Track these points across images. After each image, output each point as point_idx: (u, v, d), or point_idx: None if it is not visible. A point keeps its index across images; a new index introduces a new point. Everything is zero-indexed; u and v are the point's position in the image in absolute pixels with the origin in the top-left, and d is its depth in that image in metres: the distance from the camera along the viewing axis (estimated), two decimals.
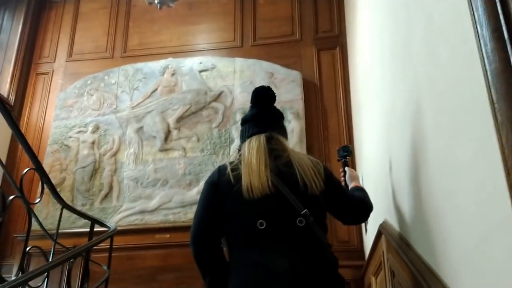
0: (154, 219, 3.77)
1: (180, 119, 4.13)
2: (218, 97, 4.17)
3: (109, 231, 2.48)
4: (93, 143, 4.16)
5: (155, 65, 4.39)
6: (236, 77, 4.21)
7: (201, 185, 3.73)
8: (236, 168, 1.48)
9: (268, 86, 1.66)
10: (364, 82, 3.02)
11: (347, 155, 2.14)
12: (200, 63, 4.31)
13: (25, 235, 3.76)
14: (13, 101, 4.46)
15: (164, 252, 3.60)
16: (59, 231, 3.78)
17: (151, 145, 4.09)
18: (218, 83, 4.22)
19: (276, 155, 1.50)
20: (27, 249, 2.14)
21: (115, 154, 4.09)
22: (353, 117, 3.95)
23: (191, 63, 4.33)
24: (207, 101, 4.16)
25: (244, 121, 1.65)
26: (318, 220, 1.42)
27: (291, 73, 4.13)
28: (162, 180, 3.92)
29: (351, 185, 1.85)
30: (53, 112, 4.42)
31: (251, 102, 1.65)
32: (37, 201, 2.28)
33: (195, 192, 3.80)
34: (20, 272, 1.99)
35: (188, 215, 3.74)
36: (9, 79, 4.50)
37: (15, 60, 4.58)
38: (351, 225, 2.79)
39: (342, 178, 1.95)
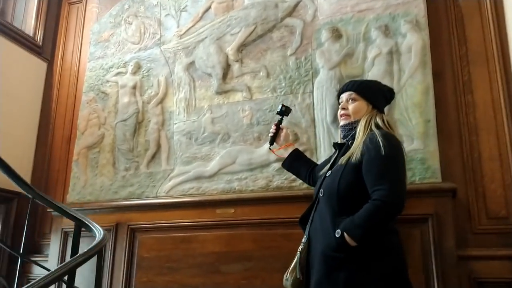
0: (213, 188, 2.93)
1: (242, 47, 3.12)
2: (293, 9, 3.05)
3: (95, 243, 1.62)
4: (134, 87, 3.36)
5: None
6: None
7: None
8: None
9: None
10: None
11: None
12: None
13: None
14: (41, 40, 3.79)
15: (228, 234, 2.77)
16: (103, 203, 3.15)
17: (206, 87, 3.16)
18: None
19: None
20: None
21: (161, 101, 3.26)
22: (508, 21, 2.61)
23: None
24: (279, 18, 3.06)
25: (387, 99, 2.11)
26: None
27: None
28: (222, 133, 3.02)
29: None
30: (88, 50, 3.68)
31: (390, 97, 2.13)
32: None
33: (266, 149, 2.84)
34: None
35: (258, 182, 2.83)
36: (34, 13, 3.81)
37: None
38: None
39: None
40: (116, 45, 3.54)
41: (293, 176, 2.75)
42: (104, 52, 3.56)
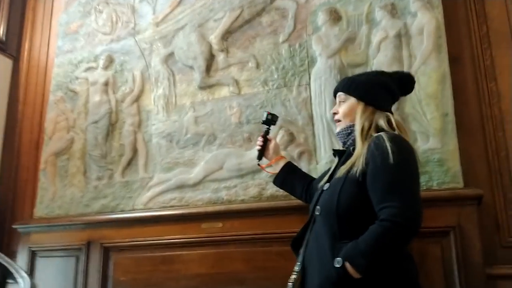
0: (198, 198, 2.58)
1: (227, 35, 2.76)
2: None
3: None
4: (106, 84, 3.00)
5: None
6: None
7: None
8: None
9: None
10: None
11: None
12: None
13: (28, 226, 2.85)
14: (4, 34, 3.42)
15: (215, 252, 2.43)
16: (73, 218, 2.81)
17: (188, 81, 2.80)
18: None
19: None
20: None
21: (137, 99, 2.90)
22: None
23: None
24: None
25: (394, 91, 1.69)
26: None
27: None
28: (207, 135, 2.67)
29: None
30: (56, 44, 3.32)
31: (403, 86, 1.74)
32: None
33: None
34: None
35: (249, 190, 2.49)
36: None
37: None
38: None
39: None
40: (86, 37, 3.17)
41: None
42: (72, 46, 3.20)
